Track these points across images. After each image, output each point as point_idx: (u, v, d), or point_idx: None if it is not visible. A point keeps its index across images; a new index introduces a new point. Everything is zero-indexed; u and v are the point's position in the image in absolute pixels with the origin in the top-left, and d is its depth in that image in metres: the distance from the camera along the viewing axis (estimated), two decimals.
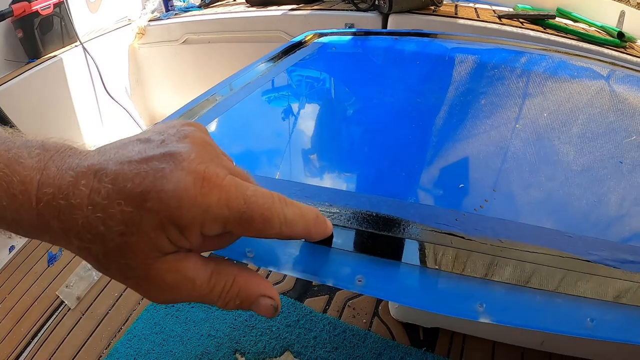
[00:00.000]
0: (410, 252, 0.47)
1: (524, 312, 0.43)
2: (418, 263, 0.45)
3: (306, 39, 1.00)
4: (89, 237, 0.22)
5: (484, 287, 0.44)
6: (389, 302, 1.21)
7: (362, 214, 0.49)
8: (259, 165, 0.60)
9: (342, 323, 1.19)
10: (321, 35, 1.02)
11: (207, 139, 0.26)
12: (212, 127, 0.66)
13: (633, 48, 1.59)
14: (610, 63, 1.03)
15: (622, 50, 1.53)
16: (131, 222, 0.22)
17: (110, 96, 1.98)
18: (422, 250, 0.47)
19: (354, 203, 0.51)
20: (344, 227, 0.48)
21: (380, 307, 1.29)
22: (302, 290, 1.34)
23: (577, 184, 0.57)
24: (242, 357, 1.12)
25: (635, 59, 1.47)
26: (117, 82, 2.05)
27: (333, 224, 0.48)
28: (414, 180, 0.54)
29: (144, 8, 2.21)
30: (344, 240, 0.47)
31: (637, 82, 0.96)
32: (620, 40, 1.55)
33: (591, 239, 0.49)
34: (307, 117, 0.75)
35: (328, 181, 0.57)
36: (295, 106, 0.78)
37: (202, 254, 0.28)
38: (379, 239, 0.47)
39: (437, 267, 0.45)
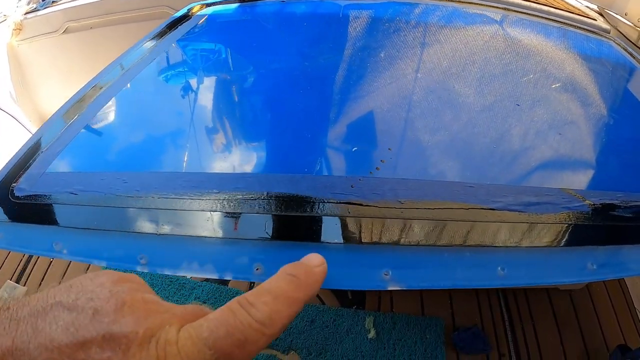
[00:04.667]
0: (309, 230, 0.42)
1: (432, 272, 0.40)
2: (318, 240, 0.41)
3: (191, 11, 0.90)
4: None
5: (388, 252, 0.40)
6: None
7: (251, 197, 0.43)
8: (144, 157, 0.53)
9: None
10: (207, 5, 0.93)
11: (147, 297, 0.21)
12: (104, 118, 0.58)
13: None
14: (503, 9, 1.04)
15: None
16: None
17: None
18: (319, 225, 0.42)
19: (243, 185, 0.45)
20: (234, 213, 0.42)
21: None
22: None
23: (473, 130, 0.55)
24: None
25: (527, 3, 1.52)
26: None
27: (224, 211, 0.43)
28: (307, 150, 0.49)
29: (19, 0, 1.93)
30: (237, 227, 0.42)
31: (530, 26, 0.98)
32: None
33: (493, 186, 0.47)
34: (197, 99, 0.68)
35: (217, 165, 0.50)
36: (182, 88, 0.70)
37: None
38: (273, 221, 0.42)
39: (336, 241, 0.40)
